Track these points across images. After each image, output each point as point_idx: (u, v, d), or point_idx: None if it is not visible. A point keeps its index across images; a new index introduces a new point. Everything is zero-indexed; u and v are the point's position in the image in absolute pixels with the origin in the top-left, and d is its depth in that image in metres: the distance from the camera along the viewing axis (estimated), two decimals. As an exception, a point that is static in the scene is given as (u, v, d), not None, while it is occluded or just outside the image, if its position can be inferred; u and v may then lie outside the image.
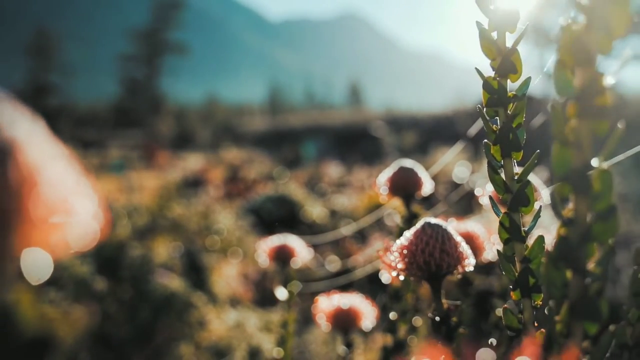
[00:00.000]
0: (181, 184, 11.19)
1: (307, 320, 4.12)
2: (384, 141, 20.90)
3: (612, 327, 0.46)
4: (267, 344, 3.89)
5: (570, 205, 0.45)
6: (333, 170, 14.83)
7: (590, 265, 0.45)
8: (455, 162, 8.32)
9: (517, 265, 0.60)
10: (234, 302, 4.83)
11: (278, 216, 7.74)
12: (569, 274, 0.45)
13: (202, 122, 51.37)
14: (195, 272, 4.98)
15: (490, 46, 0.61)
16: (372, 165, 15.73)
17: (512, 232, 0.61)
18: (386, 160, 15.51)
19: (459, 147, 2.84)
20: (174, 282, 4.05)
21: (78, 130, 44.64)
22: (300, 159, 20.83)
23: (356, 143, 26.37)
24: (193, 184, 11.69)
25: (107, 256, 4.36)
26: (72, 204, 0.23)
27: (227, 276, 5.14)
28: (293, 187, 9.08)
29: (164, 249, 4.64)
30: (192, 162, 17.28)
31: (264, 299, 5.04)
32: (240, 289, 5.15)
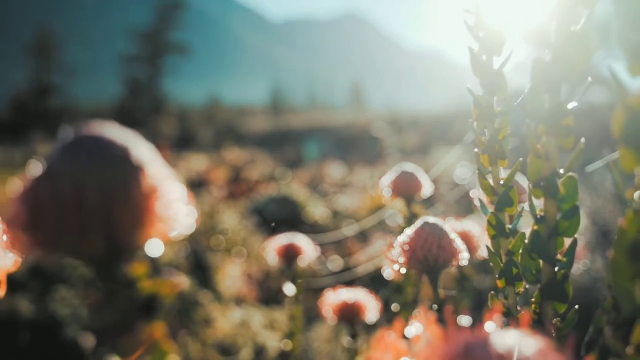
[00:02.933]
0: (185, 184, 11.21)
1: (310, 318, 4.20)
2: (386, 142, 20.95)
3: (576, 306, 0.55)
4: (272, 341, 3.97)
5: (542, 206, 0.55)
6: (335, 170, 14.87)
7: (558, 256, 0.54)
8: (456, 163, 8.37)
9: (503, 257, 0.70)
10: (239, 300, 4.91)
11: (281, 216, 7.79)
12: (540, 262, 0.54)
13: (204, 122, 51.36)
14: (201, 271, 5.05)
15: (479, 68, 0.70)
16: (374, 166, 15.76)
17: (498, 229, 0.70)
18: (388, 161, 15.56)
19: (459, 150, 2.93)
20: (181, 281, 4.14)
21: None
22: (302, 160, 20.88)
23: (358, 143, 26.42)
24: (196, 184, 11.73)
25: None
26: (176, 206, 0.33)
27: (231, 275, 5.22)
28: (295, 188, 9.14)
29: (170, 249, 4.71)
30: (195, 163, 17.31)
31: (268, 298, 5.12)
32: (244, 288, 5.23)
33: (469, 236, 1.22)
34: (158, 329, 0.32)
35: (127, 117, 47.95)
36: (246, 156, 19.90)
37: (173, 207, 0.32)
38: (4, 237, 0.48)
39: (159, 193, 0.31)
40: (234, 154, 20.01)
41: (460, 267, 1.26)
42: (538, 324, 0.55)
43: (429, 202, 4.45)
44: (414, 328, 0.38)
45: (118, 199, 0.30)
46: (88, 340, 0.45)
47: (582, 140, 0.51)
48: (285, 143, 28.04)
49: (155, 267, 4.30)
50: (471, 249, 1.20)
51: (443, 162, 4.21)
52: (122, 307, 0.31)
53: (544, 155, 0.53)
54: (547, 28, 0.52)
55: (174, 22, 49.06)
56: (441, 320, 0.74)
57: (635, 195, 0.39)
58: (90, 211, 0.29)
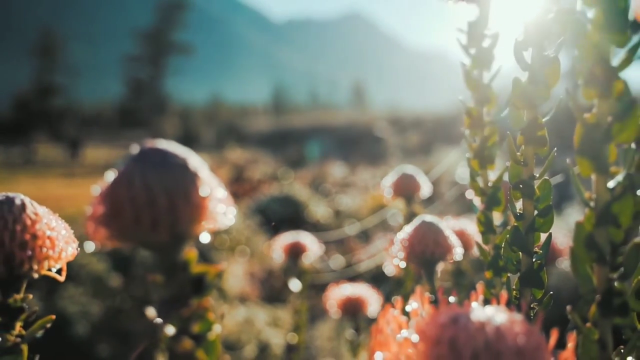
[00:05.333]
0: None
1: (313, 317, 4.28)
2: (388, 141, 20.99)
3: (551, 292, 0.63)
4: (276, 338, 4.05)
5: (521, 205, 0.63)
6: (337, 170, 14.95)
7: (535, 248, 0.63)
8: (458, 162, 8.43)
9: (491, 251, 0.78)
10: (243, 299, 4.99)
11: (283, 216, 7.86)
12: (520, 254, 0.63)
13: (207, 122, 51.47)
14: (206, 270, 5.09)
15: (471, 82, 0.79)
16: (376, 166, 15.83)
17: (486, 226, 0.79)
18: (390, 161, 15.61)
19: (460, 150, 3.02)
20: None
21: (83, 130, 44.84)
22: (304, 159, 20.97)
23: (360, 143, 26.49)
24: (200, 184, 11.71)
25: (120, 254, 4.54)
26: (222, 204, 0.42)
27: (235, 274, 5.30)
28: (297, 188, 9.22)
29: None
30: (198, 163, 17.30)
31: (271, 297, 5.21)
32: (247, 286, 5.31)
33: (464, 234, 1.31)
34: (206, 302, 0.40)
35: (130, 117, 48.07)
36: (248, 156, 19.96)
37: (220, 205, 0.41)
38: (69, 231, 0.57)
39: (210, 194, 0.40)
40: (237, 154, 20.06)
41: (457, 263, 1.35)
42: (518, 308, 0.63)
43: (430, 201, 4.53)
44: (413, 305, 0.46)
45: (180, 199, 0.38)
46: (150, 312, 0.50)
47: (555, 149, 0.60)
48: (288, 143, 28.10)
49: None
50: (467, 245, 1.29)
51: (444, 162, 4.30)
52: (178, 284, 0.40)
53: (523, 162, 0.62)
54: (524, 53, 0.60)
55: (176, 22, 49.18)
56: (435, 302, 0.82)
57: (592, 197, 0.48)
58: (159, 209, 0.38)
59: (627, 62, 0.45)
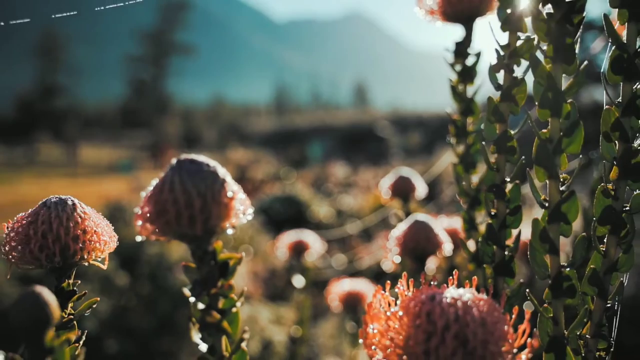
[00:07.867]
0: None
1: (315, 315, 4.36)
2: (390, 141, 21.00)
3: (521, 280, 0.73)
4: (278, 336, 4.14)
5: (495, 205, 0.73)
6: (339, 170, 15.02)
7: (507, 242, 0.73)
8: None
9: (474, 246, 0.88)
10: (246, 297, 5.08)
11: (286, 216, 7.93)
12: (494, 247, 0.73)
13: (209, 122, 51.56)
14: (210, 268, 5.16)
15: (456, 95, 0.89)
16: (378, 166, 15.89)
17: (469, 224, 0.89)
18: (392, 161, 15.66)
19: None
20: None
21: (85, 130, 44.96)
22: (307, 159, 21.05)
23: (362, 143, 26.54)
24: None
25: (126, 254, 4.63)
26: (243, 204, 0.52)
27: (239, 273, 5.38)
28: (300, 187, 9.29)
29: (179, 246, 4.85)
30: (201, 163, 17.29)
31: (274, 295, 5.29)
32: (251, 285, 5.39)
33: (456, 231, 1.41)
34: (231, 283, 0.50)
35: (132, 117, 48.18)
36: (250, 156, 20.02)
37: (242, 205, 0.51)
38: (110, 227, 0.68)
39: (234, 196, 0.51)
40: (239, 154, 20.10)
41: (450, 258, 1.44)
42: (494, 296, 0.73)
43: (429, 200, 4.61)
44: (400, 287, 0.57)
45: (211, 200, 0.49)
46: (185, 293, 0.59)
47: (523, 157, 0.70)
48: (290, 143, 28.14)
49: (166, 264, 4.49)
50: (458, 242, 1.39)
51: (441, 162, 4.39)
52: (208, 269, 0.50)
53: (496, 168, 0.72)
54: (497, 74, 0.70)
55: (178, 23, 49.29)
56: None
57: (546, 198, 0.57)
58: (195, 209, 0.48)
59: (574, 88, 0.54)
